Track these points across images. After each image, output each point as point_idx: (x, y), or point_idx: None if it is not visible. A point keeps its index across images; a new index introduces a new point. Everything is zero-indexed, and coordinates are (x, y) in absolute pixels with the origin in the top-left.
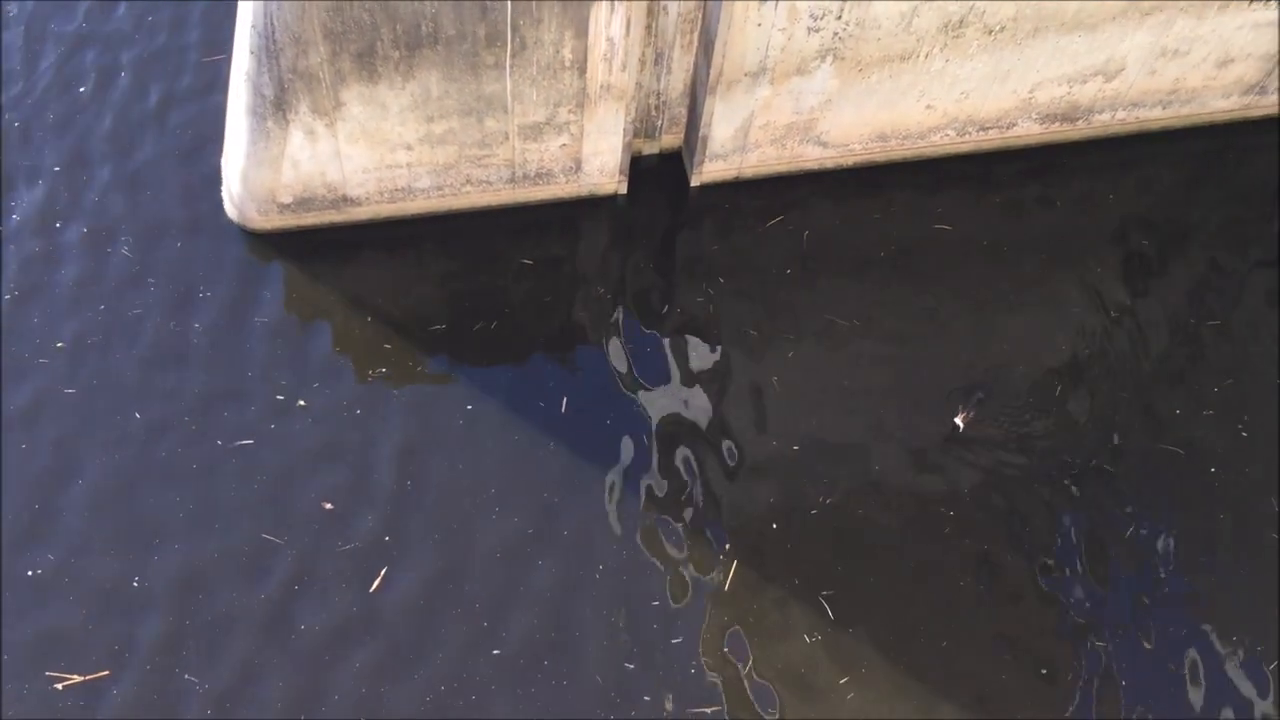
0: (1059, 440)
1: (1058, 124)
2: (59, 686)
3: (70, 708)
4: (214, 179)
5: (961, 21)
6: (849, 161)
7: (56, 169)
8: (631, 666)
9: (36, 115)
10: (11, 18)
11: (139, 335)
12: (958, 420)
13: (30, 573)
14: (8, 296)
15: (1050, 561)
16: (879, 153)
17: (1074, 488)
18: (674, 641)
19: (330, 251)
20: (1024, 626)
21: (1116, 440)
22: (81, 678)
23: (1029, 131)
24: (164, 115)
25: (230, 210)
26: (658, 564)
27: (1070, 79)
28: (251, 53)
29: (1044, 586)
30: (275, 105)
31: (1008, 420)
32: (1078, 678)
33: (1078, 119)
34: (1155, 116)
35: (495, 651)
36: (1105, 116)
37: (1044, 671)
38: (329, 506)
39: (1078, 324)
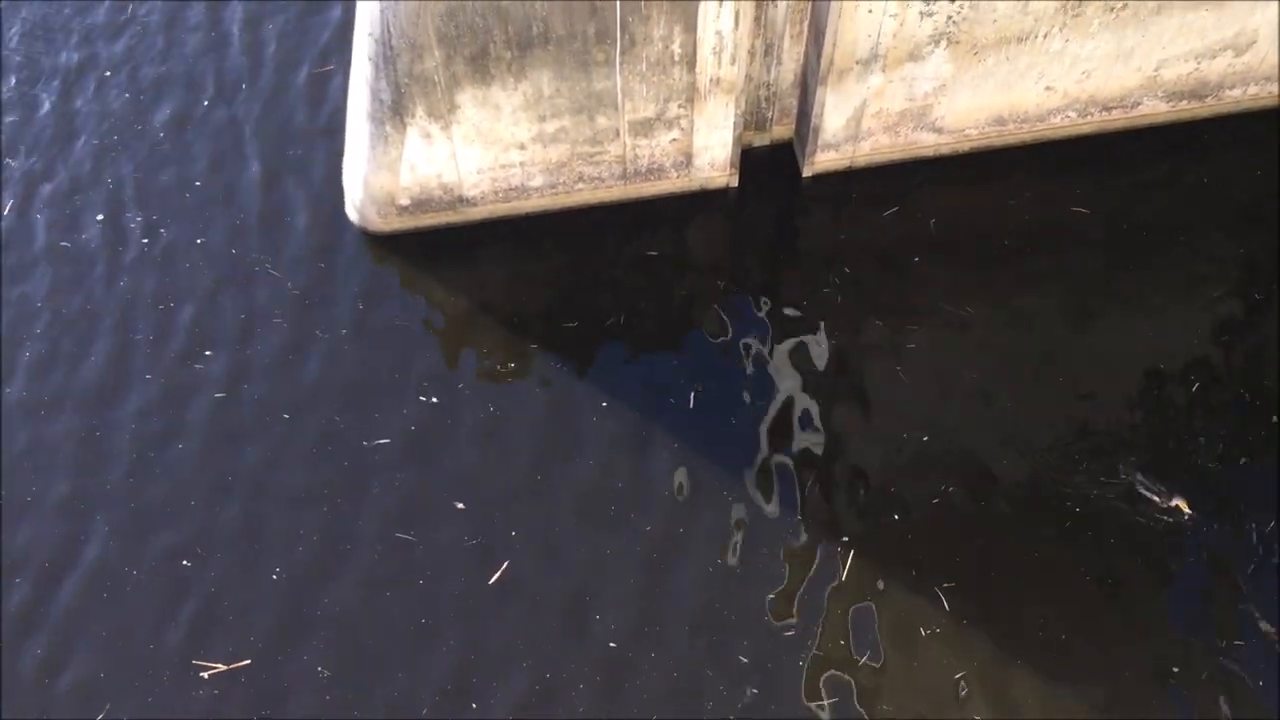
0: (1191, 438)
1: (1185, 101)
2: (204, 675)
3: (214, 695)
4: (334, 185)
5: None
6: (965, 147)
7: (197, 184)
8: (745, 660)
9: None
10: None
11: (281, 341)
12: (1179, 504)
13: (185, 562)
14: (160, 308)
15: (1177, 561)
16: (996, 137)
17: (1202, 484)
18: (787, 634)
19: (451, 251)
20: (1146, 626)
21: (1258, 434)
22: (225, 666)
23: (1155, 110)
24: (282, 124)
25: (352, 214)
26: (775, 556)
27: (1198, 55)
28: (369, 60)
29: (1168, 587)
30: (393, 110)
31: (1137, 416)
32: (1206, 682)
33: (1207, 96)
34: None
35: (611, 645)
36: (1236, 93)
37: (1176, 669)
38: (460, 506)
39: (1220, 312)
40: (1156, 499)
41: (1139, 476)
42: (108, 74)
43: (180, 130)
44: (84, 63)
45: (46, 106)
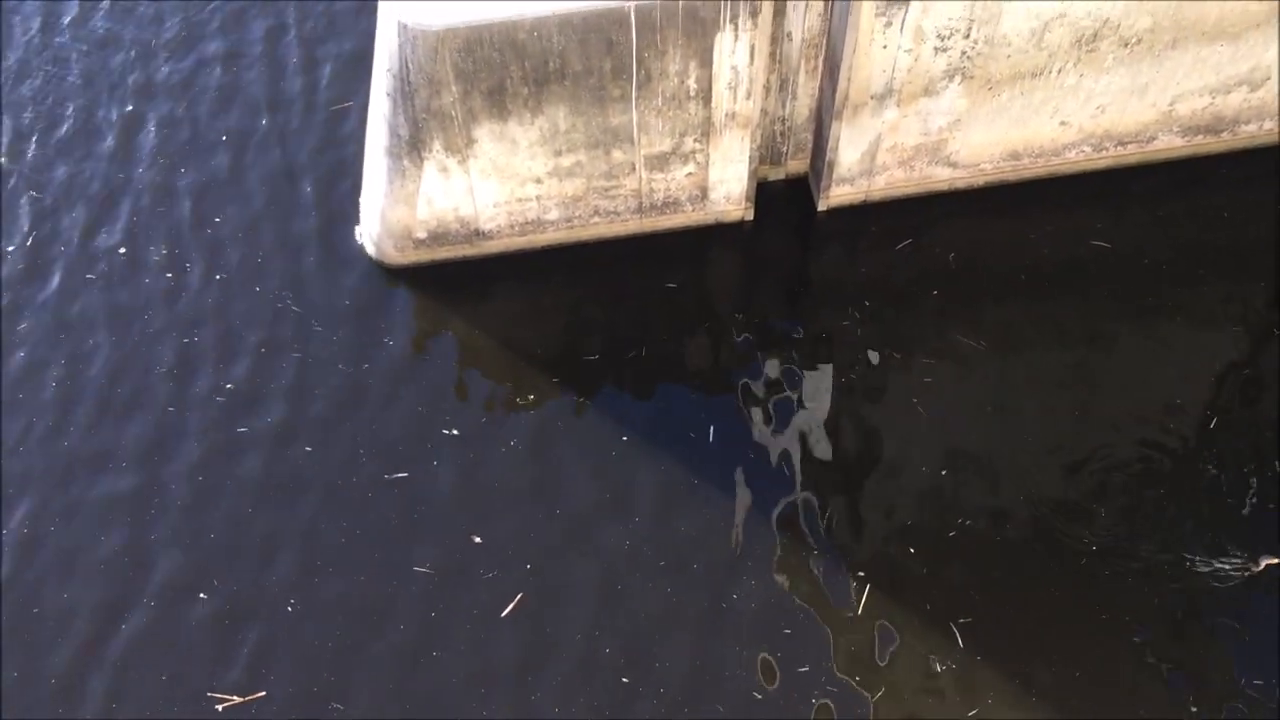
0: (1210, 473)
1: (1201, 136)
2: (219, 708)
3: None
4: (349, 219)
5: (1096, 35)
6: (980, 182)
7: (218, 219)
8: (759, 697)
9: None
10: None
11: (301, 375)
12: (1271, 562)
13: (201, 594)
14: (185, 341)
15: (1196, 604)
16: (1010, 172)
17: (1225, 520)
18: (801, 670)
19: (468, 284)
20: (1164, 663)
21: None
22: (241, 699)
23: (1170, 145)
24: (300, 160)
25: (369, 248)
26: (791, 591)
27: (1213, 90)
28: (388, 95)
29: (1191, 625)
30: (410, 145)
31: (1154, 451)
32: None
33: (1222, 131)
34: None
35: (624, 680)
36: (1252, 128)
37: (1194, 710)
38: (478, 540)
39: (1242, 346)
40: (1247, 572)
41: (1214, 563)
42: (129, 108)
43: (199, 165)
44: (113, 98)
45: (66, 138)
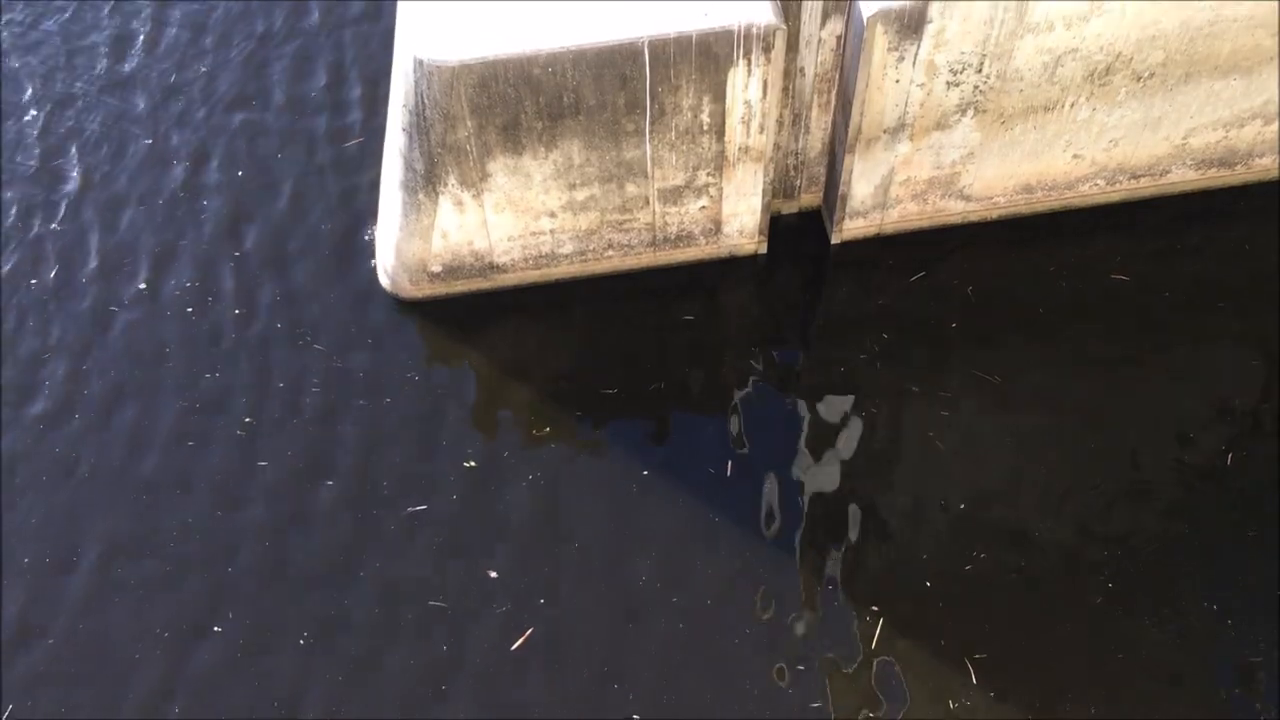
0: (1226, 510)
1: (1215, 169)
2: None
3: None
4: (363, 253)
5: (1108, 69)
6: (993, 215)
7: (237, 254)
8: None
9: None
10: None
11: (322, 410)
12: None
13: (217, 629)
14: (208, 377)
15: (1220, 638)
16: (1024, 205)
17: (1244, 559)
18: (814, 705)
19: (483, 318)
20: (1179, 705)
21: None
22: None
23: (1184, 178)
24: (315, 193)
25: (384, 281)
26: (805, 625)
27: (1226, 123)
28: (403, 130)
29: (1210, 667)
30: (426, 179)
31: (1173, 487)
32: None
33: (1236, 164)
34: None
35: (635, 717)
36: (1266, 161)
37: None
38: (493, 575)
39: (1255, 381)
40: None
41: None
42: (139, 134)
43: (215, 198)
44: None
45: (75, 166)
